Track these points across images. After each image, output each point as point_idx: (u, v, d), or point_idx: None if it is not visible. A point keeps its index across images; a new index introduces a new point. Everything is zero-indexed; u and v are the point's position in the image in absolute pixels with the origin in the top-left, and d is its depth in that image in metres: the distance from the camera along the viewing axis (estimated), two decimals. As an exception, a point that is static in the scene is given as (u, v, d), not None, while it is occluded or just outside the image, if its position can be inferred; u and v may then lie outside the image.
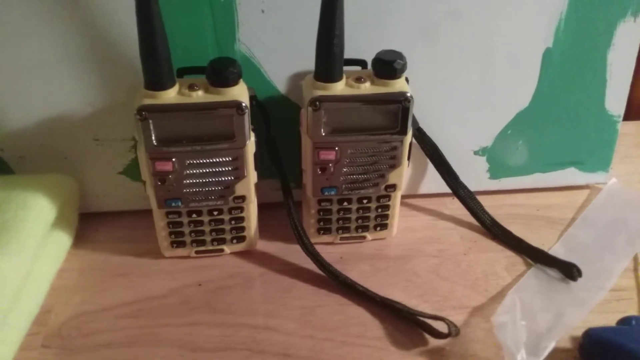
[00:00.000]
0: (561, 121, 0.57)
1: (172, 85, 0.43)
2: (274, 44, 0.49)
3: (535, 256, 0.52)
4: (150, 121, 0.43)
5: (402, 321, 0.46)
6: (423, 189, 0.59)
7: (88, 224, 0.55)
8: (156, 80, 0.43)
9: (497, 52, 0.52)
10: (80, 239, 0.54)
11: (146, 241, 0.53)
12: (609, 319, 0.45)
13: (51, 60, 0.47)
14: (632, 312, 0.47)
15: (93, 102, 0.50)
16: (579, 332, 0.44)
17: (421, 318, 0.46)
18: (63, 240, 0.52)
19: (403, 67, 0.46)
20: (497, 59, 0.53)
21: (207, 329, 0.46)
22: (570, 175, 0.61)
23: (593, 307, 0.47)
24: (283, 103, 0.52)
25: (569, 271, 0.50)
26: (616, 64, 0.55)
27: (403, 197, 0.56)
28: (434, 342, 0.45)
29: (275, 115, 0.51)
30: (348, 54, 0.45)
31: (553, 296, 0.49)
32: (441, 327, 0.45)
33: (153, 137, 0.44)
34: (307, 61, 0.46)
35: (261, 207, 0.52)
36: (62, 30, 0.46)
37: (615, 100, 0.57)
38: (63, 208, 0.50)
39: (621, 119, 0.58)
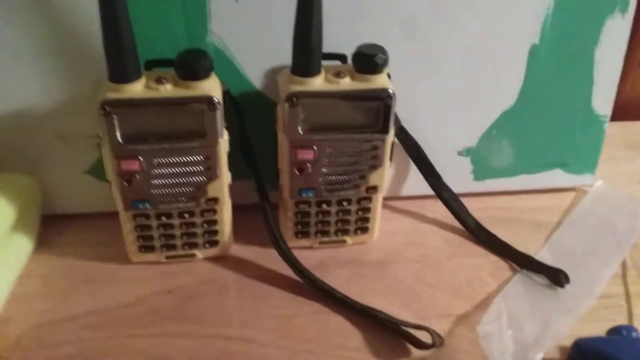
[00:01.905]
0: (547, 121, 0.56)
1: (138, 77, 0.41)
2: (248, 36, 0.47)
3: (521, 261, 0.51)
4: (115, 117, 0.41)
5: (384, 331, 0.45)
6: (405, 191, 0.58)
7: (51, 227, 0.52)
8: (120, 72, 0.40)
9: (481, 48, 0.51)
10: (43, 243, 0.51)
11: (113, 245, 0.50)
12: (598, 328, 0.44)
13: (9, 52, 0.45)
14: (621, 320, 0.46)
15: (55, 96, 0.47)
16: (567, 342, 0.43)
17: (403, 327, 0.44)
18: (24, 245, 0.49)
19: (385, 62, 0.44)
20: (482, 56, 0.51)
21: (177, 340, 0.44)
22: (556, 177, 0.59)
23: (581, 315, 0.46)
24: (259, 99, 0.50)
25: (556, 277, 0.48)
26: (604, 62, 0.53)
27: (385, 199, 0.54)
28: (417, 352, 0.43)
29: (251, 112, 0.48)
30: (327, 48, 0.43)
31: (540, 303, 0.47)
32: (425, 337, 0.43)
33: (118, 134, 0.41)
34: (285, 55, 0.44)
35: (236, 209, 0.50)
36: (21, 19, 0.44)
37: (602, 100, 0.56)
38: (24, 210, 0.48)
39: (608, 119, 0.57)
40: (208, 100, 0.41)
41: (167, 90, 0.41)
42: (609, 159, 0.64)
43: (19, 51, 0.45)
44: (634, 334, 0.43)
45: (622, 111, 0.72)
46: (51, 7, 0.43)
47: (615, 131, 0.68)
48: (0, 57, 0.45)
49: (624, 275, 0.50)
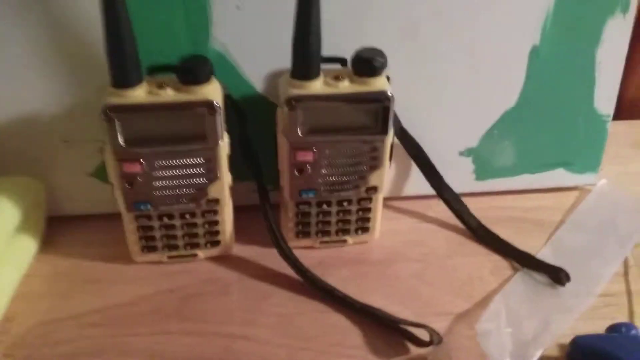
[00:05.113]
0: (549, 121, 0.56)
1: (139, 83, 0.42)
2: (250, 41, 0.47)
3: (523, 260, 0.51)
4: (117, 121, 0.41)
5: (383, 329, 0.45)
6: (407, 191, 0.58)
7: (56, 228, 0.53)
8: (122, 77, 0.41)
9: (482, 50, 0.51)
10: (48, 244, 0.52)
11: (116, 246, 0.51)
12: (598, 326, 0.44)
13: (17, 58, 0.45)
14: (622, 318, 0.46)
15: (62, 102, 0.48)
16: (566, 340, 0.43)
17: (402, 325, 0.44)
18: (29, 246, 0.50)
19: (383, 65, 0.44)
20: (482, 57, 0.51)
21: (178, 338, 0.44)
22: (559, 177, 0.59)
23: (581, 313, 0.46)
24: (260, 102, 0.50)
25: (557, 276, 0.48)
26: (605, 62, 0.53)
27: (386, 199, 0.54)
28: (415, 350, 0.43)
29: (253, 115, 0.49)
30: (327, 51, 0.44)
31: (540, 302, 0.47)
32: (423, 334, 0.43)
33: (120, 138, 0.42)
34: (285, 59, 0.45)
35: (238, 209, 0.50)
36: (28, 27, 0.44)
37: (605, 100, 0.55)
38: (29, 212, 0.48)
39: (610, 118, 0.57)
40: (208, 105, 0.42)
41: (169, 95, 0.42)
42: (614, 158, 0.63)
43: (28, 58, 0.45)
44: (633, 332, 0.43)
45: (629, 110, 0.72)
46: (59, 16, 0.44)
47: (621, 130, 0.68)
48: (10, 63, 0.45)
49: (625, 274, 0.50)
